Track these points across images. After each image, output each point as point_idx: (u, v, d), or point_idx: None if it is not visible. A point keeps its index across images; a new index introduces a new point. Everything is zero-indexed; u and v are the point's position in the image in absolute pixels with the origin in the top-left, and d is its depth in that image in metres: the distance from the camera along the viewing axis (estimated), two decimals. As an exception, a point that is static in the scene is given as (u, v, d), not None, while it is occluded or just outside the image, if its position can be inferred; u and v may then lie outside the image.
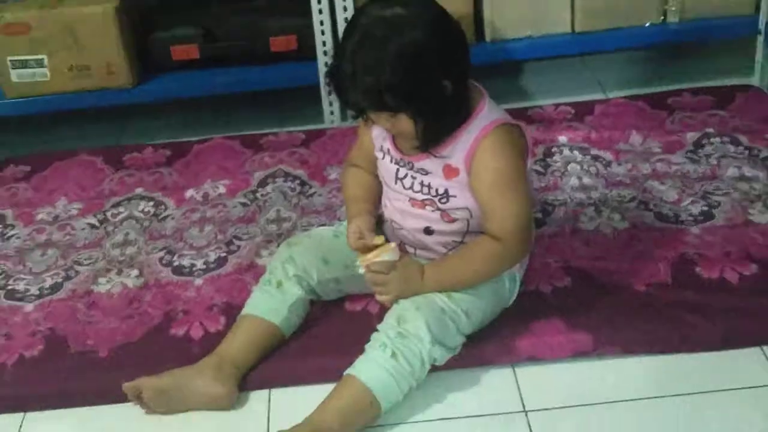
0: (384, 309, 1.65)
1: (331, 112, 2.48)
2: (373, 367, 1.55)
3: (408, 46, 1.47)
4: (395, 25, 1.48)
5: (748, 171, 2.11)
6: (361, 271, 1.60)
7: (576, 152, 2.24)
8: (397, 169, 1.66)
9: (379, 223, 1.74)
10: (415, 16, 1.50)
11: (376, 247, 1.61)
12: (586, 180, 2.14)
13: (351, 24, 1.55)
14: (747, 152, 2.19)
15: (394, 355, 1.55)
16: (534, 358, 1.68)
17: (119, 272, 1.97)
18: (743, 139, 2.24)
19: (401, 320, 1.58)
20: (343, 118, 2.48)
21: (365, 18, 1.52)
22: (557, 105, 2.46)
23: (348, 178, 1.78)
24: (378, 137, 1.69)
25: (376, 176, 1.74)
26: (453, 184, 1.62)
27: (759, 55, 2.50)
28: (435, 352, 1.59)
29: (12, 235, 2.14)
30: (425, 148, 1.59)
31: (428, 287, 1.62)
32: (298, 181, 2.24)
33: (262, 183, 2.24)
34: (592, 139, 2.29)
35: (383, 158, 1.69)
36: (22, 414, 1.67)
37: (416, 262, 1.65)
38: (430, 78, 1.50)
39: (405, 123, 1.53)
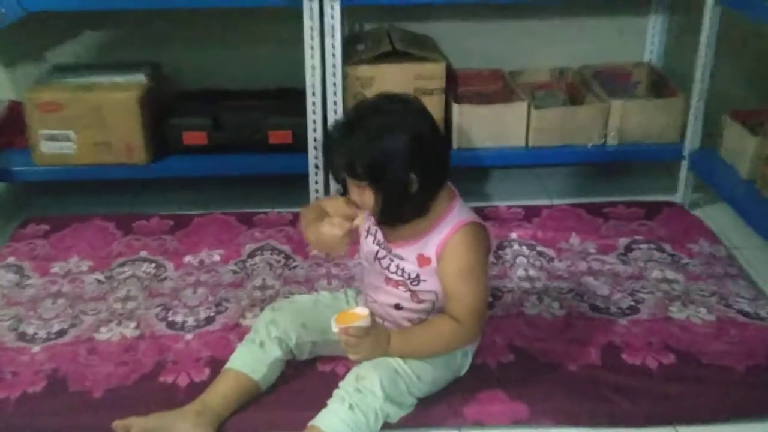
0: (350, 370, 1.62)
1: (317, 198, 2.48)
2: (333, 418, 1.52)
3: (390, 140, 1.50)
4: (389, 121, 1.52)
5: (670, 274, 2.12)
6: (335, 329, 1.56)
7: (524, 248, 2.25)
8: (378, 251, 1.65)
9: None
10: (407, 121, 1.53)
11: (349, 313, 1.59)
12: (532, 272, 2.14)
13: (359, 104, 1.60)
14: (670, 258, 2.20)
15: (351, 407, 1.53)
16: (478, 423, 1.65)
17: (119, 323, 1.93)
18: (667, 246, 2.25)
19: (359, 378, 1.56)
20: (327, 204, 2.48)
21: (371, 103, 1.58)
22: (510, 206, 2.47)
23: None
24: (369, 219, 1.67)
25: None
26: (424, 270, 1.61)
27: (682, 177, 2.53)
28: (387, 407, 1.56)
29: (27, 284, 2.10)
30: (379, 223, 1.58)
31: (393, 353, 1.60)
32: (283, 255, 2.22)
33: (252, 254, 2.22)
34: (538, 237, 2.30)
35: (366, 237, 1.68)
36: (20, 443, 1.62)
37: (385, 330, 1.63)
38: (398, 172, 1.51)
39: (368, 197, 1.54)
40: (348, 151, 1.51)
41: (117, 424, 1.57)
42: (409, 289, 1.64)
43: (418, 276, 1.62)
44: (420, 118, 1.55)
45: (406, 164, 1.50)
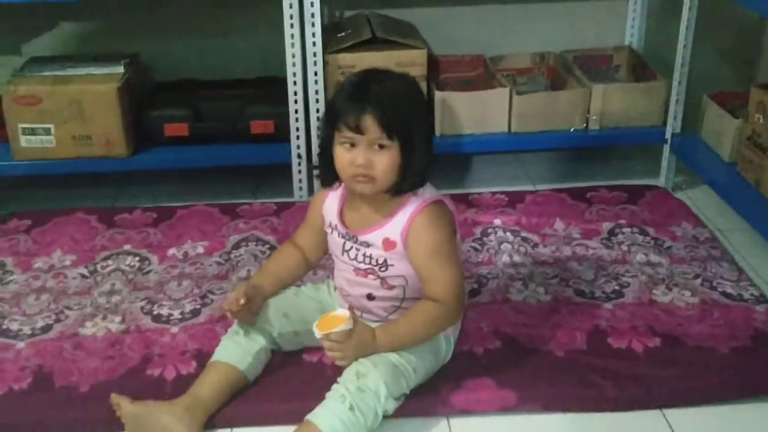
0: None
1: (300, 188, 2.48)
2: (331, 416, 1.51)
3: (419, 101, 1.62)
4: (410, 85, 1.62)
5: (653, 258, 2.14)
6: (318, 336, 1.54)
7: (508, 234, 2.26)
8: (344, 242, 1.66)
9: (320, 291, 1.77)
10: (420, 90, 1.65)
11: (330, 316, 1.56)
12: (516, 258, 2.15)
13: (366, 70, 1.62)
14: (653, 242, 2.22)
15: (351, 408, 1.51)
16: (466, 411, 1.66)
17: (104, 318, 1.93)
18: (650, 230, 2.27)
19: (360, 375, 1.54)
20: (310, 193, 2.48)
21: (377, 70, 1.62)
22: (494, 193, 2.47)
23: (277, 252, 1.81)
24: (327, 214, 1.69)
25: (307, 259, 1.76)
26: (391, 255, 1.62)
27: (664, 160, 2.55)
28: (388, 405, 1.56)
29: (10, 281, 2.08)
30: (399, 186, 1.57)
31: (381, 348, 1.59)
32: (267, 246, 2.22)
33: (236, 246, 2.22)
34: (522, 223, 2.30)
35: (332, 233, 1.69)
36: (7, 441, 1.61)
37: (368, 327, 1.59)
38: (423, 134, 1.58)
39: (388, 157, 1.53)
40: (386, 107, 1.51)
41: (113, 397, 1.60)
42: (378, 276, 1.64)
43: (385, 261, 1.62)
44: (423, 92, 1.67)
45: (426, 127, 1.61)
